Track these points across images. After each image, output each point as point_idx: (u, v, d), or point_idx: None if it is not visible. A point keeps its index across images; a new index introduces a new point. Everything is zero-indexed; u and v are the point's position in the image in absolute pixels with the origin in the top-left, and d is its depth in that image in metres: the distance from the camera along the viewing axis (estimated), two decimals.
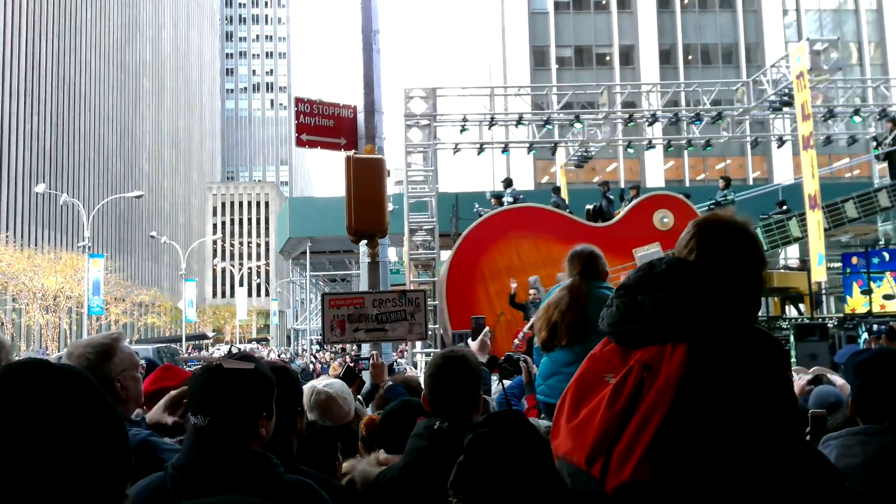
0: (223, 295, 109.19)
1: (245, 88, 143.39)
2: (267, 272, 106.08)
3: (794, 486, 1.64)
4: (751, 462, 1.61)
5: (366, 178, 6.14)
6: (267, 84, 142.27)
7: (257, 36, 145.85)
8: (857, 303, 14.46)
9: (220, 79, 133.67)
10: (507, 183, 18.35)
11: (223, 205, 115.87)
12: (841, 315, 15.04)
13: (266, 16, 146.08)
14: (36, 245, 58.75)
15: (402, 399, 3.29)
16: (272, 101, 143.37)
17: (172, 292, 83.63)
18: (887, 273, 14.45)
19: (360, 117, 6.96)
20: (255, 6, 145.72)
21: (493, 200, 17.85)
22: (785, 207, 17.53)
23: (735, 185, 20.90)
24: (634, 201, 16.68)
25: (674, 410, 1.65)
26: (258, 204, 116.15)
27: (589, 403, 1.77)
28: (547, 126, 19.34)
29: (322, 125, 6.87)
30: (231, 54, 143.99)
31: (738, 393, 1.65)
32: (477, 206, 18.27)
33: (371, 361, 4.62)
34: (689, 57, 45.88)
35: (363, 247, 7.12)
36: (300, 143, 6.79)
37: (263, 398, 2.05)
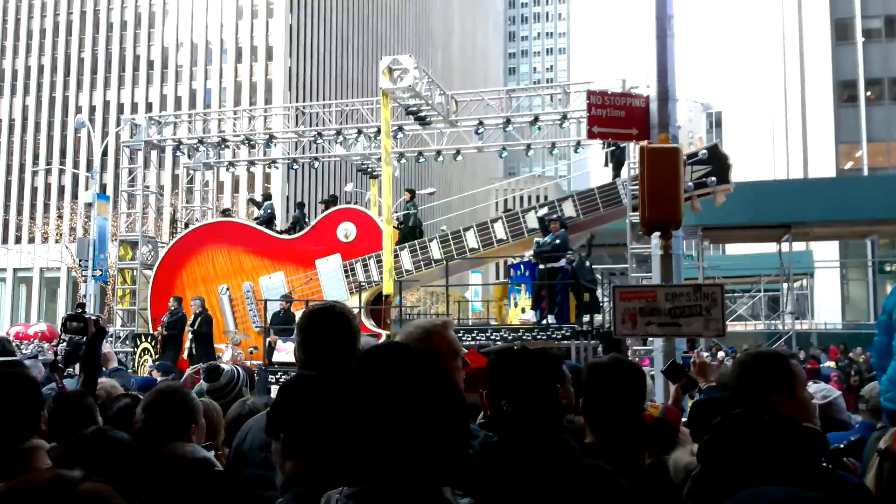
0: None
1: (526, 87, 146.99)
2: None
3: None
4: None
5: (660, 168, 5.98)
6: (547, 80, 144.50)
7: (538, 34, 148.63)
8: (513, 315, 14.22)
9: (503, 78, 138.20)
10: (266, 197, 19.39)
11: (505, 200, 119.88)
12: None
13: (547, 13, 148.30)
14: None
15: (717, 395, 3.20)
16: (551, 96, 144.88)
17: (460, 282, 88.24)
18: (523, 286, 14.03)
19: (653, 106, 6.80)
20: (536, 4, 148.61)
21: (219, 213, 19.76)
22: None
23: None
24: (322, 214, 17.15)
25: None
26: (538, 198, 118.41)
27: None
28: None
29: (613, 116, 6.82)
30: (513, 54, 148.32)
31: None
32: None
33: (693, 359, 4.25)
34: None
35: (655, 239, 6.95)
36: (591, 135, 6.82)
37: (557, 374, 2.11)
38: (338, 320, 2.45)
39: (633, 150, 14.32)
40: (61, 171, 56.18)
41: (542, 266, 13.28)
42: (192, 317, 14.65)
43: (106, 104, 59.79)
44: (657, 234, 6.69)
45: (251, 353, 13.83)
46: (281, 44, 59.47)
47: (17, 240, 56.57)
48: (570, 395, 2.85)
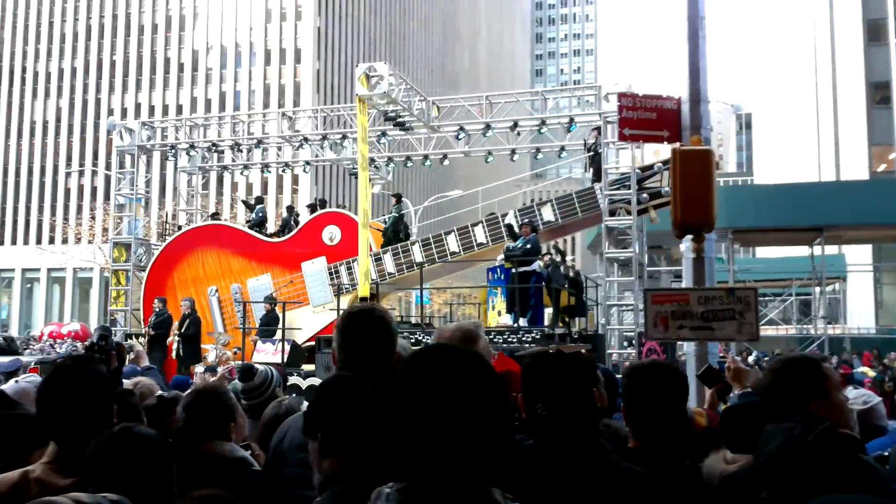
0: None
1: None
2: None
3: None
4: None
5: (693, 171, 5.94)
6: (574, 82, 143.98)
7: (565, 35, 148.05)
8: (491, 318, 14.47)
9: (530, 79, 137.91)
10: (258, 200, 19.57)
11: (532, 201, 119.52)
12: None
13: (574, 14, 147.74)
14: None
15: (748, 399, 3.15)
16: (578, 98, 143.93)
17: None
18: (499, 289, 14.30)
19: (685, 107, 6.76)
20: (563, 6, 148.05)
21: (209, 217, 20.55)
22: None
23: None
24: (308, 218, 17.51)
25: None
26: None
27: None
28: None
29: (644, 118, 6.78)
30: (540, 55, 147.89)
31: None
32: None
33: (727, 364, 4.16)
34: None
35: (686, 242, 6.89)
36: (623, 137, 6.79)
37: (591, 378, 2.10)
38: (377, 322, 2.48)
39: (613, 156, 14.52)
40: (94, 173, 57.05)
41: (514, 270, 13.36)
42: (181, 318, 15.02)
43: (137, 106, 60.62)
44: (689, 236, 6.64)
45: (235, 352, 14.18)
46: (309, 46, 59.87)
47: (52, 240, 57.49)
48: (605, 399, 2.83)
